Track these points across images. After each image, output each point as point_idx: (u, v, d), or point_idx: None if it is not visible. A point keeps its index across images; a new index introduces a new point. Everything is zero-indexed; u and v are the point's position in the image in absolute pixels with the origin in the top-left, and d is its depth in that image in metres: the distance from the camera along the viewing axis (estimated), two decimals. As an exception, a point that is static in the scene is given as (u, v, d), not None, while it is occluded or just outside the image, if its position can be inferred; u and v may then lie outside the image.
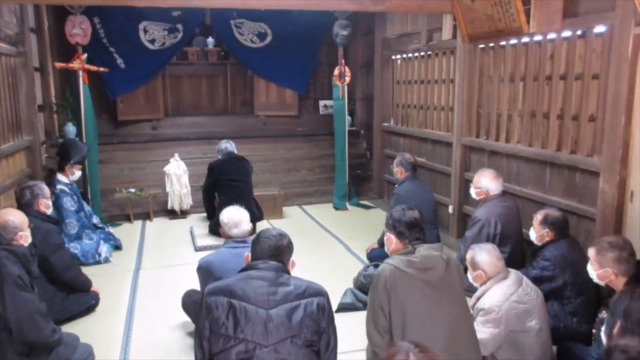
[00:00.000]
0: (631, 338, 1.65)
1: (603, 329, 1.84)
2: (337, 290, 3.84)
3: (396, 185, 4.81)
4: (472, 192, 4.12)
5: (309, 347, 2.05)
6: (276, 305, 2.02)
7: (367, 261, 4.67)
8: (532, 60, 4.20)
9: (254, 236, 2.30)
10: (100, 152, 6.26)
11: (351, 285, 4.07)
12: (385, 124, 7.12)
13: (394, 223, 2.46)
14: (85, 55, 5.82)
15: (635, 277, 2.55)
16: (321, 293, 2.14)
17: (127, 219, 6.14)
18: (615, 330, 1.71)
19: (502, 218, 3.82)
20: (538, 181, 4.22)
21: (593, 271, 2.68)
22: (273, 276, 2.09)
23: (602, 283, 2.67)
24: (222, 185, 5.49)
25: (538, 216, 3.38)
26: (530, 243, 3.95)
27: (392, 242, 2.48)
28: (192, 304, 3.41)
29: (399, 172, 4.76)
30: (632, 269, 2.58)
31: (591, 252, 2.68)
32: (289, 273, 2.19)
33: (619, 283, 2.60)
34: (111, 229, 5.48)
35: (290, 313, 2.02)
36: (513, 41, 4.40)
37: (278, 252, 2.17)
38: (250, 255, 2.25)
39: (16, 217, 2.86)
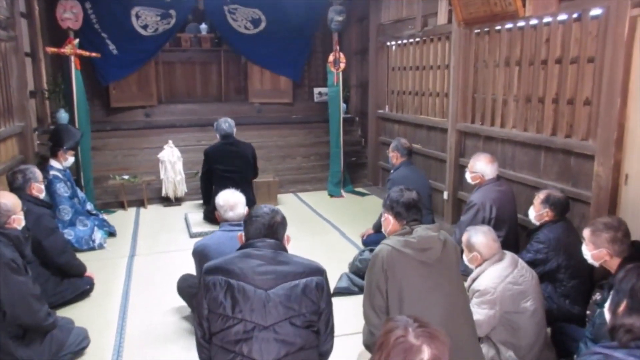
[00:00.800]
0: (637, 317, 1.64)
1: (607, 305, 1.84)
2: (332, 275, 3.81)
3: (392, 171, 4.80)
4: (468, 176, 4.12)
5: (309, 328, 2.03)
6: (275, 285, 1.99)
7: (362, 246, 4.68)
8: (528, 45, 4.19)
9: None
10: (93, 139, 6.20)
11: (346, 270, 4.08)
12: (380, 111, 7.11)
13: (392, 204, 2.46)
14: (77, 41, 5.74)
15: (630, 257, 2.56)
16: (320, 272, 2.11)
17: (121, 206, 6.11)
18: (621, 308, 1.71)
19: (497, 202, 3.84)
20: (533, 166, 4.23)
21: (588, 252, 2.69)
22: (271, 254, 2.06)
23: (596, 264, 2.69)
24: (216, 175, 5.41)
25: (540, 195, 3.38)
26: (525, 228, 3.98)
27: (389, 222, 2.48)
28: (187, 288, 3.41)
29: (394, 157, 4.75)
30: (627, 249, 2.60)
31: (586, 232, 2.69)
32: (286, 250, 2.16)
33: (613, 264, 2.62)
34: (105, 216, 5.44)
35: (289, 293, 1.99)
36: (509, 25, 4.38)
37: (273, 229, 2.14)
38: (243, 235, 2.21)
39: (8, 200, 2.83)
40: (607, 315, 1.82)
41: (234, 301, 1.95)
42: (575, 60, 3.74)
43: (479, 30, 4.82)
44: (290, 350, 1.96)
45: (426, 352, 1.34)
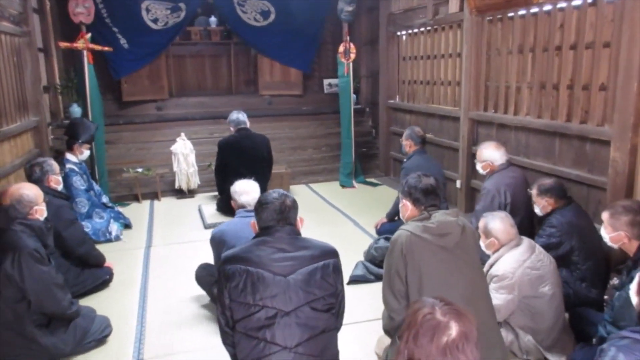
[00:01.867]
0: None
1: (633, 287, 1.84)
2: (348, 264, 3.86)
3: (405, 160, 4.79)
4: (478, 167, 4.10)
5: (329, 311, 2.05)
6: (293, 271, 2.01)
7: (376, 236, 4.69)
8: (542, 31, 4.16)
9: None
10: (106, 133, 6.26)
11: (362, 259, 4.11)
12: (391, 101, 7.10)
13: (410, 190, 2.45)
14: (89, 35, 5.78)
15: None
16: (335, 253, 2.15)
17: (136, 198, 6.17)
18: None
19: (511, 188, 3.83)
20: (547, 153, 4.21)
21: (606, 234, 2.69)
22: (287, 240, 2.08)
23: (615, 246, 2.69)
24: (231, 167, 5.31)
25: (533, 191, 3.46)
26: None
27: (407, 208, 2.47)
28: (206, 276, 3.45)
29: (407, 145, 4.73)
30: None
31: (605, 215, 2.70)
32: (299, 233, 2.18)
33: (632, 247, 2.62)
34: (120, 209, 5.50)
35: (308, 278, 2.01)
36: (522, 12, 4.36)
37: (284, 214, 2.13)
38: (256, 223, 2.20)
39: (31, 191, 2.87)
40: (635, 299, 1.81)
41: (254, 289, 1.97)
42: (590, 45, 3.72)
43: (491, 18, 4.79)
44: (312, 334, 1.99)
45: (454, 329, 1.35)
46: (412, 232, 2.31)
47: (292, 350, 1.94)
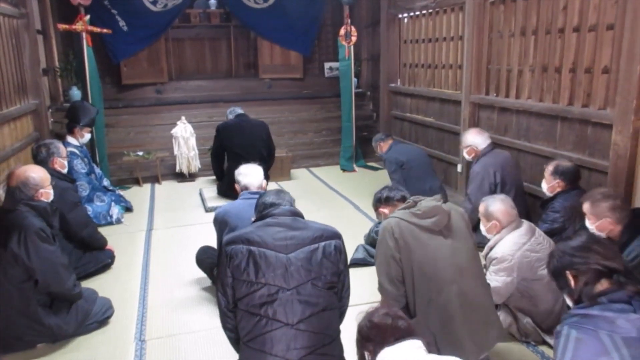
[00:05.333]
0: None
1: None
2: (348, 247, 3.80)
3: (383, 156, 4.92)
4: (464, 153, 4.18)
5: (330, 289, 2.08)
6: (295, 249, 2.04)
7: (376, 219, 4.70)
8: (544, 13, 4.12)
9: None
10: (105, 116, 6.23)
11: (362, 242, 4.12)
12: (392, 85, 7.06)
13: (377, 202, 2.76)
14: (87, 17, 5.73)
15: (630, 224, 2.60)
16: (337, 235, 2.17)
17: (136, 182, 6.17)
18: None
19: (498, 167, 3.97)
20: (548, 136, 4.20)
21: (591, 225, 2.71)
22: (290, 221, 2.12)
23: (603, 235, 2.68)
24: (229, 152, 5.42)
25: (549, 167, 3.40)
26: (535, 197, 3.99)
27: (386, 214, 2.62)
28: (206, 259, 3.47)
29: (380, 147, 5.01)
30: (627, 216, 2.63)
31: (586, 206, 2.73)
32: (302, 215, 2.21)
33: (616, 232, 2.63)
34: (121, 192, 5.50)
35: (309, 256, 2.04)
36: (525, -6, 4.31)
37: (281, 195, 2.26)
38: (256, 214, 2.29)
39: (37, 174, 2.87)
40: None
41: (256, 267, 2.00)
42: (593, 27, 3.68)
43: (493, 0, 4.74)
44: (314, 311, 2.00)
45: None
46: (400, 218, 2.36)
47: (293, 326, 1.96)
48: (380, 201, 2.74)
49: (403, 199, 2.63)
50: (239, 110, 5.70)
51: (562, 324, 1.66)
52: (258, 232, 2.07)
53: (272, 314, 1.96)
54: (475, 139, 4.14)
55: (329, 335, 2.04)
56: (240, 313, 2.05)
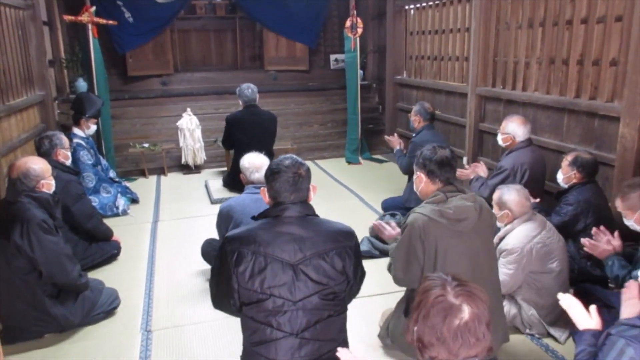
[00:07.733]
0: None
1: None
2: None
3: (413, 135, 4.73)
4: (499, 138, 3.93)
5: (336, 299, 1.98)
6: (303, 259, 1.91)
7: (381, 212, 4.71)
8: (552, 4, 4.09)
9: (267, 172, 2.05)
10: (111, 108, 6.25)
11: (367, 234, 4.13)
12: (398, 77, 7.03)
13: (424, 161, 2.35)
14: (93, 8, 5.73)
15: None
16: (351, 235, 2.04)
17: (142, 173, 6.19)
18: None
19: (528, 167, 3.69)
20: (555, 129, 4.18)
21: (630, 221, 2.66)
22: (298, 222, 1.96)
23: None
24: (237, 143, 5.31)
25: (568, 157, 3.36)
26: (551, 194, 3.95)
27: (421, 180, 2.39)
28: (212, 251, 3.46)
29: (416, 120, 4.64)
30: None
31: (618, 203, 2.69)
32: (312, 209, 2.05)
33: None
34: (127, 184, 5.52)
35: (317, 265, 1.92)
36: (533, -15, 4.27)
37: (297, 185, 1.97)
38: (267, 191, 2.04)
39: (38, 165, 2.88)
40: None
41: (262, 277, 1.89)
42: (601, 19, 3.64)
43: (501, -9, 4.70)
44: (320, 318, 1.94)
45: (466, 311, 1.32)
46: (429, 217, 2.25)
47: (297, 336, 1.91)
48: (424, 166, 2.37)
49: (445, 182, 2.36)
50: (252, 97, 5.34)
51: (616, 332, 1.53)
52: (265, 237, 1.92)
53: (277, 325, 1.90)
54: (517, 130, 3.78)
55: (334, 340, 1.98)
56: (244, 317, 1.99)
